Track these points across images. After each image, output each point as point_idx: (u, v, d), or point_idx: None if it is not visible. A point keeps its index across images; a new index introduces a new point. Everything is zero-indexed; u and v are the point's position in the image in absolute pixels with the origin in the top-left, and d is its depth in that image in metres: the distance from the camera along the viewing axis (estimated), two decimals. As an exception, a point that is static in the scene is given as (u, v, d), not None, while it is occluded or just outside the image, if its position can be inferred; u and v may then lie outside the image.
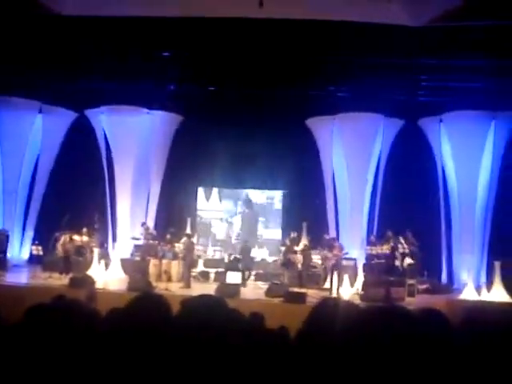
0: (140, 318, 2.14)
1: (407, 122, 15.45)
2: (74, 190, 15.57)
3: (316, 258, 14.33)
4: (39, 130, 16.08)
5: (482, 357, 2.00)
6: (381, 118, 15.31)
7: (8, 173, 15.80)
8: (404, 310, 2.13)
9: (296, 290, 12.11)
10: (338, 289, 12.65)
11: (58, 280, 12.48)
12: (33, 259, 15.15)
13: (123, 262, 14.44)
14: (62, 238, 14.02)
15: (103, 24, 12.19)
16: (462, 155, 14.66)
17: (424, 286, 13.64)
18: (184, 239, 13.44)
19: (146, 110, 15.86)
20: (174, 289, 12.20)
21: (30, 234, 16.19)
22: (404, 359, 1.88)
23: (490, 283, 13.29)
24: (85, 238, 15.19)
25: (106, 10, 11.67)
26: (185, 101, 15.87)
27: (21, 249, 16.02)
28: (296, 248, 13.83)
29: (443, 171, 15.31)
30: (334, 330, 1.96)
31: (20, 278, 13.59)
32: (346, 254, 13.36)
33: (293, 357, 2.15)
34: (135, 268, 13.45)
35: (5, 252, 14.61)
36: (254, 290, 12.91)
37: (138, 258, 13.89)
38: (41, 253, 14.00)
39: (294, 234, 14.47)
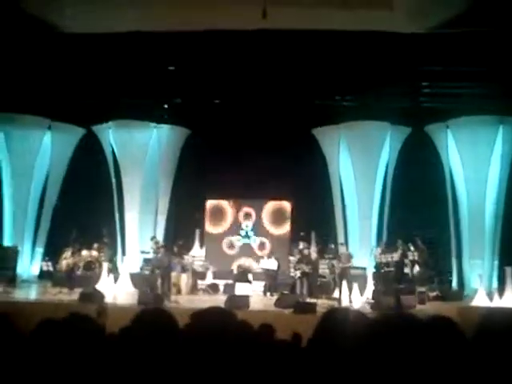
0: (146, 333, 2.14)
1: (414, 129, 15.42)
2: (83, 205, 15.66)
3: (325, 268, 14.27)
4: (48, 147, 16.21)
5: (496, 364, 1.98)
6: (387, 125, 15.28)
7: (18, 189, 15.91)
8: (414, 318, 2.12)
9: (306, 300, 12.06)
10: (348, 298, 12.58)
11: (68, 295, 12.49)
12: (43, 275, 15.20)
13: (132, 276, 14.45)
14: (64, 254, 14.06)
15: (109, 40, 12.31)
16: (470, 160, 14.58)
17: (434, 294, 13.54)
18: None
19: (153, 124, 15.97)
20: (183, 302, 12.18)
21: (40, 249, 16.25)
22: (415, 367, 1.86)
23: (501, 289, 13.17)
24: (94, 253, 15.24)
25: (110, 27, 11.79)
26: (191, 114, 15.97)
27: (31, 265, 16.08)
28: (305, 258, 13.76)
29: (451, 177, 15.24)
30: (343, 339, 1.95)
31: (29, 293, 13.64)
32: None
33: (303, 366, 2.14)
34: (145, 282, 13.45)
35: (14, 268, 14.68)
36: (263, 301, 12.86)
37: (147, 272, 13.89)
38: (51, 268, 14.04)
39: (303, 244, 14.42)
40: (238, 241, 16.71)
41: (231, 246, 16.67)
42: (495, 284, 13.95)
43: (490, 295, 12.75)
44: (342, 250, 13.91)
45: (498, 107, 13.94)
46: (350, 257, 13.58)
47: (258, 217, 16.78)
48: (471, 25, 11.35)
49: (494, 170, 14.49)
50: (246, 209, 16.88)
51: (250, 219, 16.85)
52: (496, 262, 14.30)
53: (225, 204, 16.97)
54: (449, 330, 2.30)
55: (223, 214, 16.92)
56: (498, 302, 12.37)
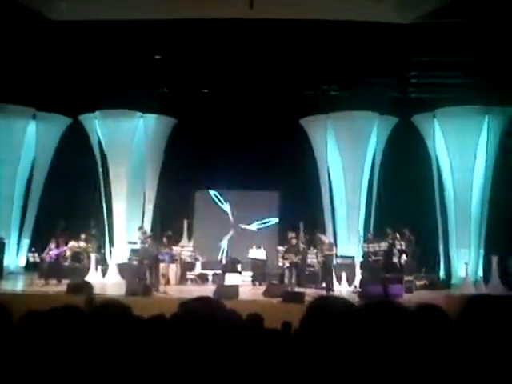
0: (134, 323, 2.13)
1: (401, 119, 15.48)
2: (69, 196, 15.54)
3: (313, 258, 14.34)
4: (33, 137, 16.02)
5: (482, 350, 2.00)
6: (375, 115, 15.33)
7: (3, 180, 15.74)
8: (400, 306, 2.13)
9: (294, 289, 12.12)
10: (331, 287, 12.67)
11: (55, 287, 12.43)
12: (30, 266, 15.10)
13: (120, 266, 14.42)
14: (50, 245, 13.91)
15: (94, 28, 12.17)
16: (457, 150, 14.69)
17: (422, 282, 13.68)
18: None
19: (139, 114, 15.83)
20: (171, 292, 12.18)
21: (26, 241, 16.12)
22: (401, 355, 1.88)
23: (487, 277, 13.34)
24: (81, 244, 15.15)
25: (96, 15, 11.65)
26: (178, 103, 15.87)
27: (17, 256, 15.97)
28: (293, 248, 13.81)
29: (438, 167, 15.34)
30: (329, 327, 1.96)
31: (16, 285, 13.54)
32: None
33: (292, 354, 2.15)
34: (133, 272, 13.42)
35: (1, 260, 14.55)
36: (252, 291, 12.90)
37: (135, 263, 13.85)
38: (37, 260, 13.95)
39: (291, 234, 14.46)
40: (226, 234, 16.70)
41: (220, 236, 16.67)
42: (481, 273, 14.11)
43: (476, 284, 12.91)
44: (323, 239, 14.01)
45: (485, 97, 14.02)
46: (332, 246, 13.68)
47: (246, 207, 16.77)
48: (458, 15, 11.39)
49: (480, 160, 14.61)
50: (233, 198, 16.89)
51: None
52: (482, 251, 14.46)
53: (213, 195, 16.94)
54: (436, 317, 2.32)
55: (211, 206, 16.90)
56: (483, 290, 12.53)
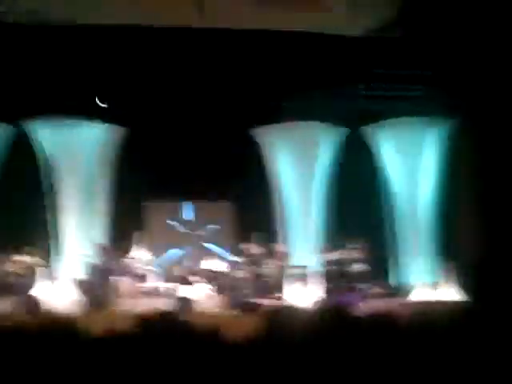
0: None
1: (351, 130, 15.77)
2: (14, 208, 14.94)
3: (269, 267, 14.33)
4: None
5: (430, 354, 2.01)
6: (325, 126, 15.58)
7: None
8: (349, 313, 2.12)
9: (251, 300, 12.06)
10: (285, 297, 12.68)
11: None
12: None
13: (69, 281, 13.94)
14: None
15: (41, 32, 11.84)
16: (403, 160, 15.18)
17: (375, 291, 13.86)
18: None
19: (87, 123, 15.41)
20: (124, 306, 11.91)
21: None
22: (354, 362, 1.86)
23: (437, 283, 13.68)
24: (26, 258, 14.59)
25: (45, 19, 11.34)
26: (128, 112, 15.60)
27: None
28: (248, 259, 13.79)
29: (386, 176, 15.71)
30: (284, 337, 1.93)
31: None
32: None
33: (250, 364, 2.10)
34: (84, 287, 13.02)
35: None
36: (208, 303, 12.74)
37: (86, 276, 13.46)
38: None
39: (245, 245, 14.44)
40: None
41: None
42: (433, 279, 14.45)
43: (428, 290, 13.21)
44: (277, 249, 14.06)
45: (430, 109, 14.51)
46: (286, 255, 13.75)
47: (197, 218, 16.65)
48: (404, 28, 11.75)
49: (425, 169, 15.14)
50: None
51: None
52: (434, 257, 14.85)
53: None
54: (386, 325, 2.32)
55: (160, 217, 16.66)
56: (433, 296, 12.83)
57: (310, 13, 11.67)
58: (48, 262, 15.03)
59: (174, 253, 16.32)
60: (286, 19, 11.68)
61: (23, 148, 15.41)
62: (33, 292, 12.99)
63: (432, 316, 2.32)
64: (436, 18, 11.36)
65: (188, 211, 16.71)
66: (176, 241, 16.49)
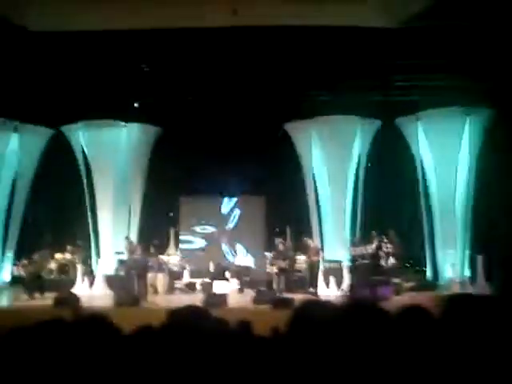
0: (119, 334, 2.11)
1: (385, 122, 15.60)
2: (54, 208, 15.38)
3: (301, 263, 14.36)
4: (16, 149, 15.81)
5: (465, 349, 2.01)
6: (358, 119, 15.44)
7: (-15, 194, 15.48)
8: (381, 308, 2.14)
9: (283, 295, 12.10)
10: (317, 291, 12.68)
11: (41, 301, 12.26)
12: (15, 281, 14.88)
13: (108, 277, 14.29)
14: (34, 257, 13.69)
15: (77, 38, 12.08)
16: (440, 151, 14.85)
17: (410, 284, 13.74)
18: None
19: (123, 123, 15.76)
20: (160, 302, 12.10)
21: (9, 254, 15.83)
22: (385, 355, 1.89)
23: (473, 277, 13.44)
24: (68, 256, 15.02)
25: (77, 25, 11.57)
26: (162, 112, 15.83)
27: (2, 271, 15.71)
28: (281, 253, 13.82)
29: (422, 169, 15.47)
30: (315, 331, 1.96)
31: (1, 301, 13.31)
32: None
33: (281, 360, 2.14)
34: (120, 283, 13.31)
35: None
36: (241, 298, 12.87)
37: (122, 273, 13.76)
38: (22, 273, 13.76)
39: (278, 240, 14.47)
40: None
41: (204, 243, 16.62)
42: (468, 273, 14.22)
43: (462, 284, 13.00)
44: (310, 243, 14.03)
45: (466, 99, 14.19)
46: (318, 250, 13.72)
47: (233, 213, 16.76)
48: (440, 18, 11.52)
49: (463, 160, 14.78)
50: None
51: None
52: (467, 251, 14.57)
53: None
54: (419, 318, 2.33)
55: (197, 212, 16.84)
56: (469, 290, 12.62)
57: (340, 5, 11.59)
58: (87, 259, 15.44)
59: (208, 249, 16.50)
60: (317, 14, 11.61)
61: (62, 150, 15.88)
62: (73, 288, 13.35)
63: (465, 310, 2.30)
64: (474, 6, 11.10)
65: (222, 207, 16.86)
66: (210, 237, 16.66)
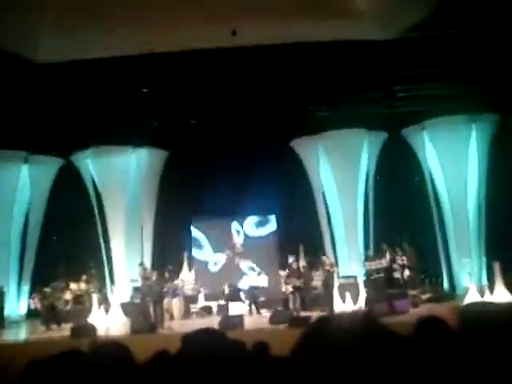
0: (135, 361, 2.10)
1: (391, 134, 15.59)
2: (67, 237, 15.43)
3: (317, 280, 14.25)
4: (27, 180, 15.92)
5: (485, 356, 1.98)
6: (364, 132, 15.46)
7: (-2, 227, 15.59)
8: (400, 320, 2.11)
9: (300, 314, 12.00)
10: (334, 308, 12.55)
11: (58, 332, 12.24)
12: (32, 313, 14.90)
13: (123, 305, 14.26)
14: (48, 289, 13.69)
15: (80, 67, 12.26)
16: (448, 160, 14.80)
17: (427, 296, 13.57)
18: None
19: (131, 148, 15.87)
20: (176, 327, 12.04)
21: (26, 287, 15.89)
22: (405, 369, 1.86)
23: (491, 285, 13.26)
24: (82, 286, 15.02)
25: (83, 54, 11.75)
26: (169, 135, 15.94)
27: (18, 303, 15.75)
28: (295, 272, 13.74)
29: (431, 178, 15.40)
30: (335, 347, 1.94)
31: (18, 333, 13.30)
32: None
33: (298, 378, 2.12)
34: (136, 310, 13.28)
35: (1, 309, 14.35)
36: (258, 319, 12.77)
37: (137, 301, 13.72)
38: (38, 306, 13.77)
39: (291, 258, 14.41)
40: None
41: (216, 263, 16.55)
42: (485, 280, 14.03)
43: (481, 292, 12.82)
44: (323, 259, 13.96)
45: (470, 106, 14.17)
46: (332, 265, 13.63)
47: (244, 233, 16.73)
48: (438, 27, 11.57)
49: (472, 167, 14.71)
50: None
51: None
52: (484, 259, 14.40)
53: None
54: (438, 330, 2.30)
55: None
56: (488, 298, 12.44)
57: (339, 20, 11.67)
58: (102, 288, 15.43)
59: (222, 270, 16.43)
60: (315, 30, 11.70)
61: (72, 178, 16.00)
62: (89, 318, 13.33)
63: (484, 319, 2.28)
64: (474, 13, 11.13)
65: (234, 227, 16.83)
66: (223, 258, 16.61)
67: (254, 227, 16.69)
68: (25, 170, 15.88)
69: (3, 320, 14.16)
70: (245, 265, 16.20)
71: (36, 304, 13.75)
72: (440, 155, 14.90)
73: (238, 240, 16.69)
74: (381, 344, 2.07)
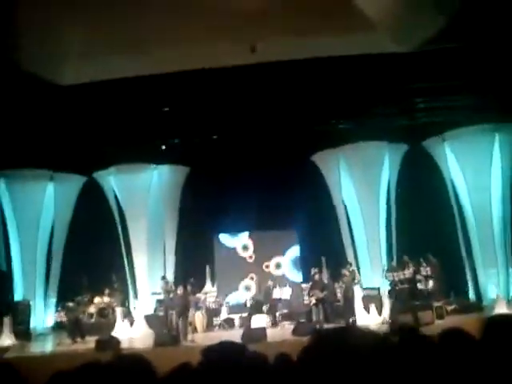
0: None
1: (412, 146, 15.52)
2: (91, 252, 15.65)
3: (339, 292, 14.18)
4: (52, 198, 16.31)
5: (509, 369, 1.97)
6: (385, 144, 15.42)
7: (25, 243, 15.91)
8: (425, 332, 2.10)
9: (323, 326, 11.93)
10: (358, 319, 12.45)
11: (83, 345, 12.38)
12: (58, 326, 15.13)
13: (147, 318, 14.37)
14: (72, 303, 13.86)
15: (102, 88, 12.51)
16: (471, 170, 14.64)
17: (453, 307, 13.38)
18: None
19: (152, 166, 16.12)
20: (199, 340, 12.07)
21: (52, 300, 16.18)
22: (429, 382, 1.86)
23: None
24: (106, 299, 15.17)
25: (104, 75, 11.98)
26: (189, 152, 16.11)
27: (45, 317, 16.01)
28: (318, 284, 13.69)
29: (454, 189, 15.24)
30: (358, 359, 1.95)
31: (44, 346, 13.50)
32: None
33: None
34: (160, 323, 13.36)
35: (27, 322, 14.61)
36: (281, 331, 12.74)
37: (161, 313, 13.82)
38: (64, 319, 13.96)
39: (314, 271, 14.35)
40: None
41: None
42: (508, 292, 13.79)
43: (509, 303, 12.60)
44: (344, 271, 13.90)
45: (491, 116, 14.04)
46: (354, 274, 13.56)
47: (266, 247, 16.75)
48: (455, 39, 11.53)
49: (495, 177, 14.53)
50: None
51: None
52: (511, 269, 14.16)
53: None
54: (463, 341, 2.29)
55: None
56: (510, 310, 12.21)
57: (357, 35, 11.71)
58: (126, 301, 15.58)
59: (244, 284, 16.48)
60: (334, 44, 11.75)
61: (95, 195, 16.30)
62: (113, 331, 13.44)
63: (505, 328, 2.26)
64: (492, 24, 11.07)
65: (255, 242, 16.89)
66: (245, 272, 16.65)
67: (275, 241, 16.73)
68: (50, 188, 16.26)
69: (29, 332, 14.39)
70: (267, 279, 16.18)
71: (61, 317, 13.94)
72: (462, 166, 14.76)
73: (260, 254, 16.73)
74: (402, 356, 2.07)
